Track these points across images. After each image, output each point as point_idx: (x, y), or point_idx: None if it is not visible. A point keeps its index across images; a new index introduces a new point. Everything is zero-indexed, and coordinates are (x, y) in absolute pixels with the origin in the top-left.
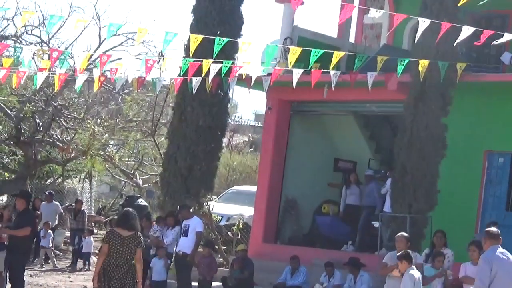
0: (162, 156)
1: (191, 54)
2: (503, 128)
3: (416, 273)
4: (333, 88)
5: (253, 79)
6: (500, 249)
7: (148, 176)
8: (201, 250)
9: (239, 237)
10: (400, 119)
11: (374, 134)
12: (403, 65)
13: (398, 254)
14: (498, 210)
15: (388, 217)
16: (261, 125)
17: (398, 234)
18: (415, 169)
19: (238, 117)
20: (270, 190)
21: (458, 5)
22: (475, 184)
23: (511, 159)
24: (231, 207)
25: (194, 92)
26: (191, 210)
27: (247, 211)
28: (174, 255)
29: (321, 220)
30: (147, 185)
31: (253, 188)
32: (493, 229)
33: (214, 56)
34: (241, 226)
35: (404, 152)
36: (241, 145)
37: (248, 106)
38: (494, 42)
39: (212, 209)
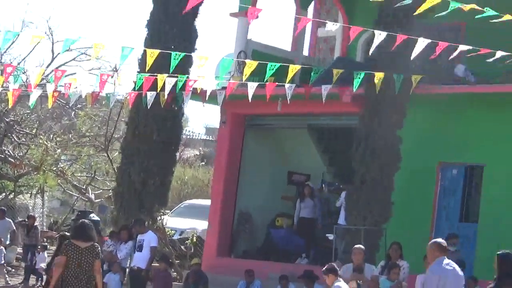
0: (116, 170)
1: (147, 69)
2: (456, 139)
3: (343, 285)
4: (288, 101)
5: (207, 93)
6: (446, 261)
7: (101, 191)
8: (157, 264)
9: (192, 251)
10: (354, 132)
11: (328, 147)
12: (359, 78)
13: (324, 268)
14: (452, 221)
15: (342, 229)
16: (212, 139)
17: (355, 246)
18: (371, 181)
19: (189, 131)
20: (224, 204)
21: (414, 14)
22: (428, 195)
23: (464, 170)
24: (184, 221)
25: (148, 107)
26: (145, 224)
27: (201, 225)
28: (128, 270)
29: (275, 233)
30: (99, 200)
31: (206, 202)
32: (441, 240)
33: (171, 71)
34: (195, 240)
35: (360, 165)
36: (192, 159)
37: (198, 119)
38: (450, 57)
39: (166, 224)
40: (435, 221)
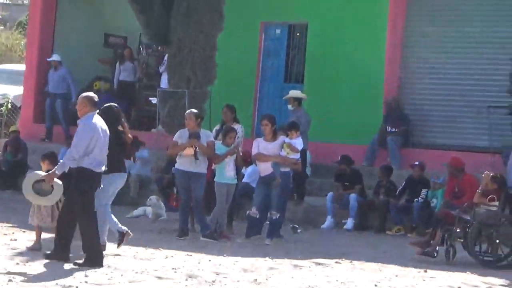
0: None
1: None
2: None
3: None
4: None
5: None
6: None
7: None
8: None
9: (5, 118)
10: None
11: (145, 8)
12: None
13: (43, 154)
14: (276, 83)
15: (166, 92)
16: (10, 2)
17: (188, 111)
18: (193, 42)
19: None
20: (39, 69)
21: None
22: (252, 56)
23: (288, 30)
24: None
25: None
26: None
27: (12, 91)
28: None
29: None
30: None
31: (16, 67)
32: (92, 94)
33: None
34: (10, 106)
35: (181, 25)
36: None
37: None
38: None
39: None
40: (259, 83)
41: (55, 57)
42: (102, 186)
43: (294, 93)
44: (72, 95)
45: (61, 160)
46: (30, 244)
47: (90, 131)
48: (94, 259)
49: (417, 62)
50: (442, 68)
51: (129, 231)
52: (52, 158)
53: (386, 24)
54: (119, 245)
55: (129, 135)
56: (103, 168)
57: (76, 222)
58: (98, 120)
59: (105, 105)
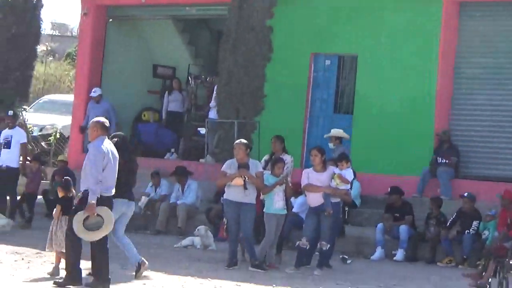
0: None
1: None
2: (329, 29)
3: None
4: None
5: None
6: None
7: None
8: (29, 163)
9: (54, 148)
10: (221, 23)
11: (193, 38)
12: None
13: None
14: (326, 113)
15: (214, 123)
16: (59, 34)
17: (237, 141)
18: (242, 73)
19: None
20: (88, 99)
21: None
22: (301, 87)
23: (337, 61)
24: (44, 117)
25: None
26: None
27: (61, 121)
28: None
29: (143, 128)
30: None
31: (65, 97)
32: (103, 119)
33: None
34: (58, 136)
35: (230, 56)
36: (40, 54)
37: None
38: None
39: (26, 120)
40: (309, 113)
41: (97, 91)
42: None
43: (336, 131)
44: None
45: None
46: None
47: (100, 154)
48: (72, 277)
49: (468, 94)
50: (493, 99)
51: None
52: (64, 185)
53: (438, 56)
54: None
55: (137, 164)
56: (113, 191)
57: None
58: (107, 144)
59: (116, 133)
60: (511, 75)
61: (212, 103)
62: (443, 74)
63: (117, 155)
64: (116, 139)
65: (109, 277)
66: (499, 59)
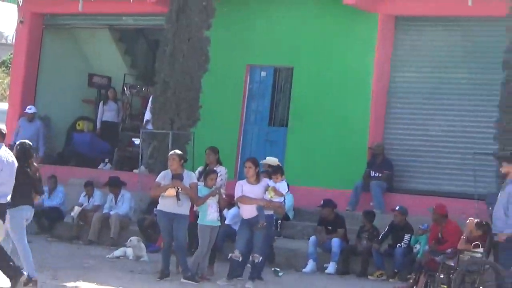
0: None
1: None
2: (265, 41)
3: None
4: None
5: None
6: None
7: None
8: None
9: None
10: (158, 33)
11: (130, 48)
12: None
13: None
14: (261, 125)
15: (149, 133)
16: None
17: (171, 152)
18: (178, 83)
19: None
20: (23, 107)
21: None
22: (237, 98)
23: (273, 73)
24: None
25: None
26: None
27: None
28: None
29: (78, 137)
30: None
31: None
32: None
33: None
34: None
35: (166, 66)
36: None
37: None
38: None
39: None
40: (244, 125)
41: (32, 109)
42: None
43: (270, 160)
44: (40, 149)
45: None
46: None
47: None
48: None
49: (402, 108)
50: (426, 114)
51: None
52: None
53: (373, 69)
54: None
55: (38, 172)
56: (8, 199)
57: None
58: (3, 152)
59: (20, 141)
60: (444, 89)
61: (147, 114)
62: (378, 87)
63: (15, 162)
64: (18, 147)
65: (21, 271)
66: (433, 73)
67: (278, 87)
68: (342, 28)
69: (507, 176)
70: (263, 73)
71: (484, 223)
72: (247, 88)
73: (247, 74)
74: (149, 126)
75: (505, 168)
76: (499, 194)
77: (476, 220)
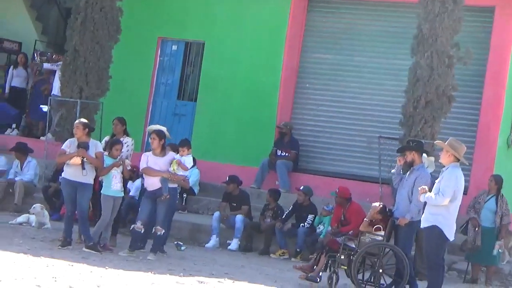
0: None
1: None
2: (177, 15)
3: None
4: None
5: None
6: None
7: None
8: None
9: None
10: (70, 1)
11: (41, 15)
12: None
13: None
14: (170, 99)
15: (58, 101)
16: None
17: (77, 121)
18: (88, 52)
19: None
20: None
21: None
22: (147, 71)
23: (184, 47)
24: None
25: None
26: None
27: None
28: None
29: None
30: None
31: None
32: None
33: None
34: None
35: (77, 34)
36: None
37: None
38: None
39: None
40: (153, 98)
41: None
42: None
43: (156, 126)
44: None
45: None
46: None
47: None
48: None
49: (311, 89)
50: (335, 96)
51: None
52: None
53: (283, 49)
54: None
55: None
56: None
57: None
58: None
59: None
60: (353, 72)
61: (56, 81)
62: (288, 67)
63: None
64: None
65: None
66: (342, 55)
67: (189, 62)
68: (255, 4)
69: (414, 163)
70: (174, 47)
71: (385, 208)
72: (158, 60)
73: (158, 47)
74: (55, 89)
75: (409, 156)
76: (405, 179)
77: (380, 205)
